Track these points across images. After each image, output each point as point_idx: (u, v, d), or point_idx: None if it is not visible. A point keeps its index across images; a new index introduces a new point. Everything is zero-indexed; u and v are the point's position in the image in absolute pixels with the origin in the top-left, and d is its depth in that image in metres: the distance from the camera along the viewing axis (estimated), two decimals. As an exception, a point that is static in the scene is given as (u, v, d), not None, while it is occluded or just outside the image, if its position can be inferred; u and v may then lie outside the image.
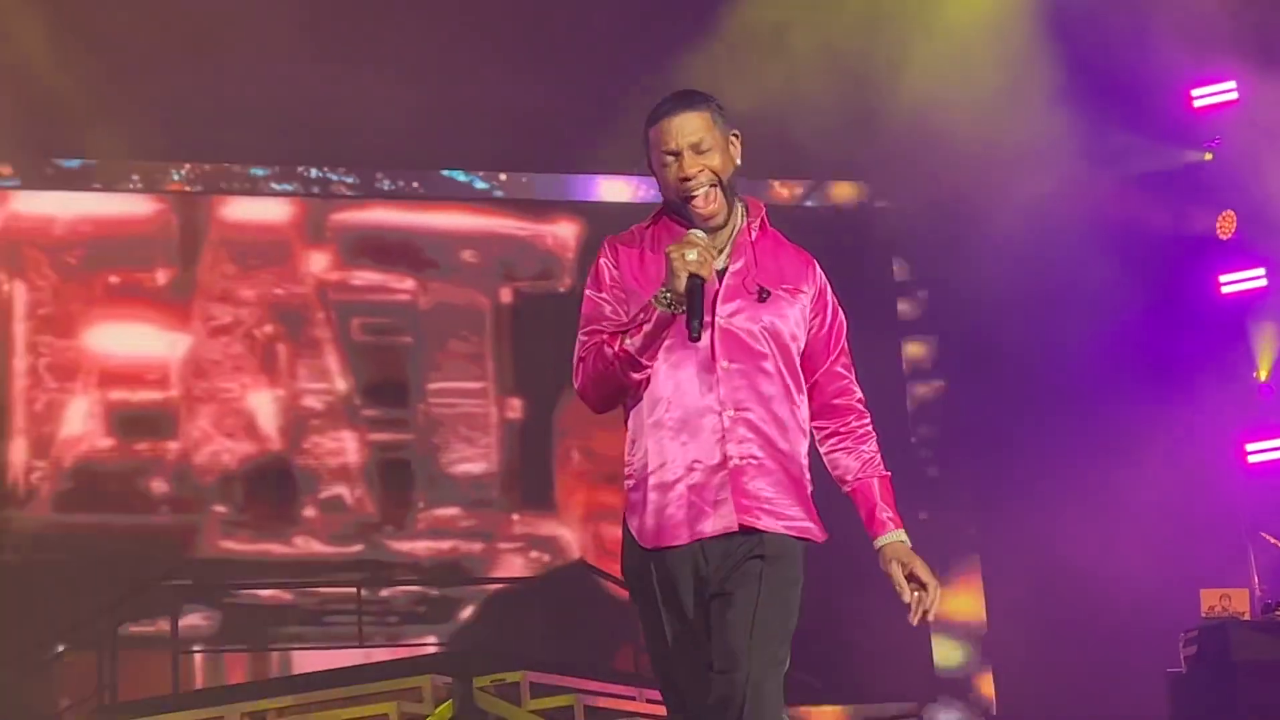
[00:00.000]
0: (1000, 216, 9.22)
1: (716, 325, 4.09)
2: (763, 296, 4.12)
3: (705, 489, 4.06)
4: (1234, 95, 9.22)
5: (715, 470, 4.06)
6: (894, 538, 4.14)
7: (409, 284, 9.64)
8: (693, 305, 3.94)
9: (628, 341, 4.02)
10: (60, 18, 8.33)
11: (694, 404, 4.09)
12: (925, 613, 4.03)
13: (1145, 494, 9.04)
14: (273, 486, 9.41)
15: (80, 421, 9.22)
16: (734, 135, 4.19)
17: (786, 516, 4.07)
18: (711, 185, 4.10)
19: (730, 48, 8.84)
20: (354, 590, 9.24)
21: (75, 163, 9.39)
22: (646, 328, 4.00)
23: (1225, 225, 9.21)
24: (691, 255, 3.94)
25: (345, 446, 9.52)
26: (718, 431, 4.07)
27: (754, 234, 4.21)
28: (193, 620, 9.19)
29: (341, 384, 9.53)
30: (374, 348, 9.66)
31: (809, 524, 4.09)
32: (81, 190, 9.40)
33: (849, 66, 8.79)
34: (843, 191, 10.62)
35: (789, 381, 4.16)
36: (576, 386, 4.13)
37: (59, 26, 8.30)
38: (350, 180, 9.77)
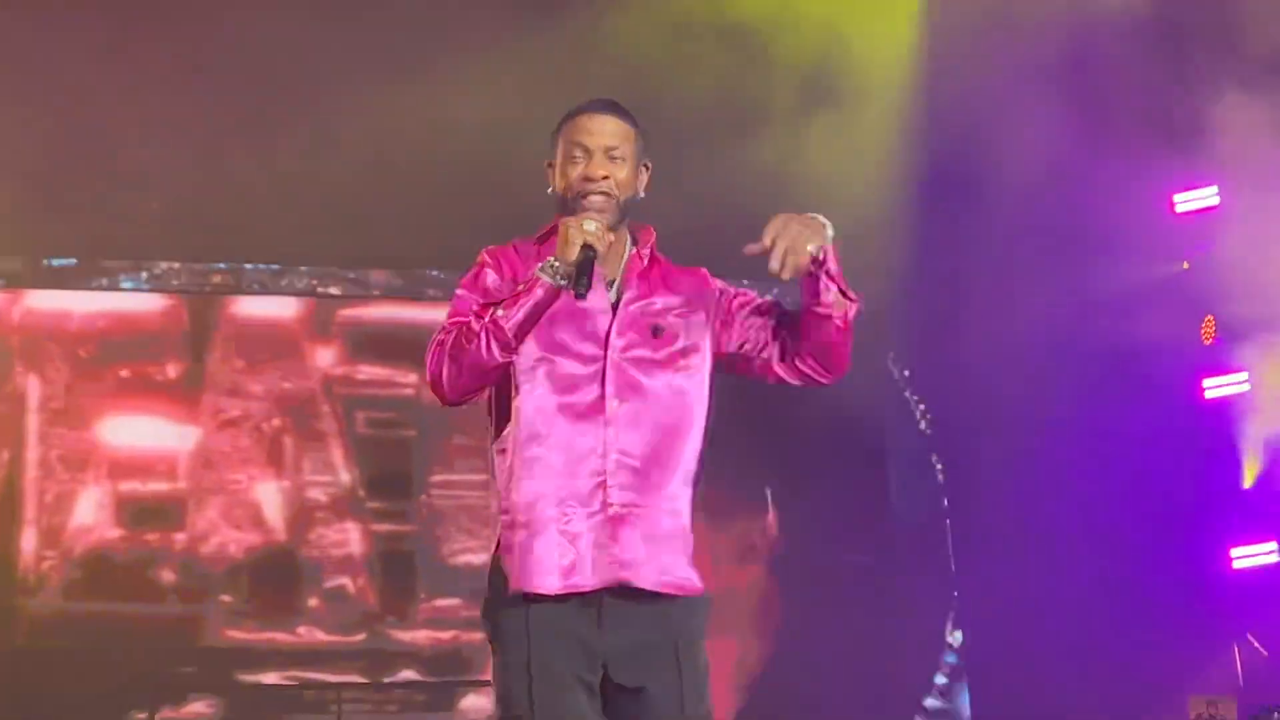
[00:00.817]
0: (977, 324, 9.42)
1: (608, 361, 3.85)
2: (656, 332, 3.91)
3: (581, 537, 3.78)
4: (1216, 201, 9.47)
5: (592, 515, 3.80)
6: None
7: (412, 378, 9.78)
8: (583, 271, 3.72)
9: (500, 312, 3.74)
10: (68, 119, 8.54)
11: (577, 444, 3.82)
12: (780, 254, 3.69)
13: (1132, 599, 9.18)
14: (278, 577, 9.52)
15: (90, 512, 9.34)
16: (646, 164, 4.01)
17: (670, 571, 3.82)
18: (609, 197, 3.90)
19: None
20: (357, 679, 9.38)
21: (72, 261, 9.58)
22: (525, 300, 3.73)
23: (1206, 330, 9.41)
24: (590, 225, 3.75)
25: (349, 538, 9.64)
26: (600, 475, 3.81)
27: (645, 261, 4.01)
28: (198, 708, 9.28)
29: (346, 476, 9.67)
30: (378, 441, 9.80)
31: (692, 575, 3.86)
32: (91, 290, 9.61)
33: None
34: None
35: (684, 422, 3.91)
36: (429, 371, 3.80)
37: (66, 126, 8.52)
38: (353, 276, 9.96)
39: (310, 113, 8.74)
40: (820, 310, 3.83)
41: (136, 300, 9.58)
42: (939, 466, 10.26)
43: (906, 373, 10.42)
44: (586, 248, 3.72)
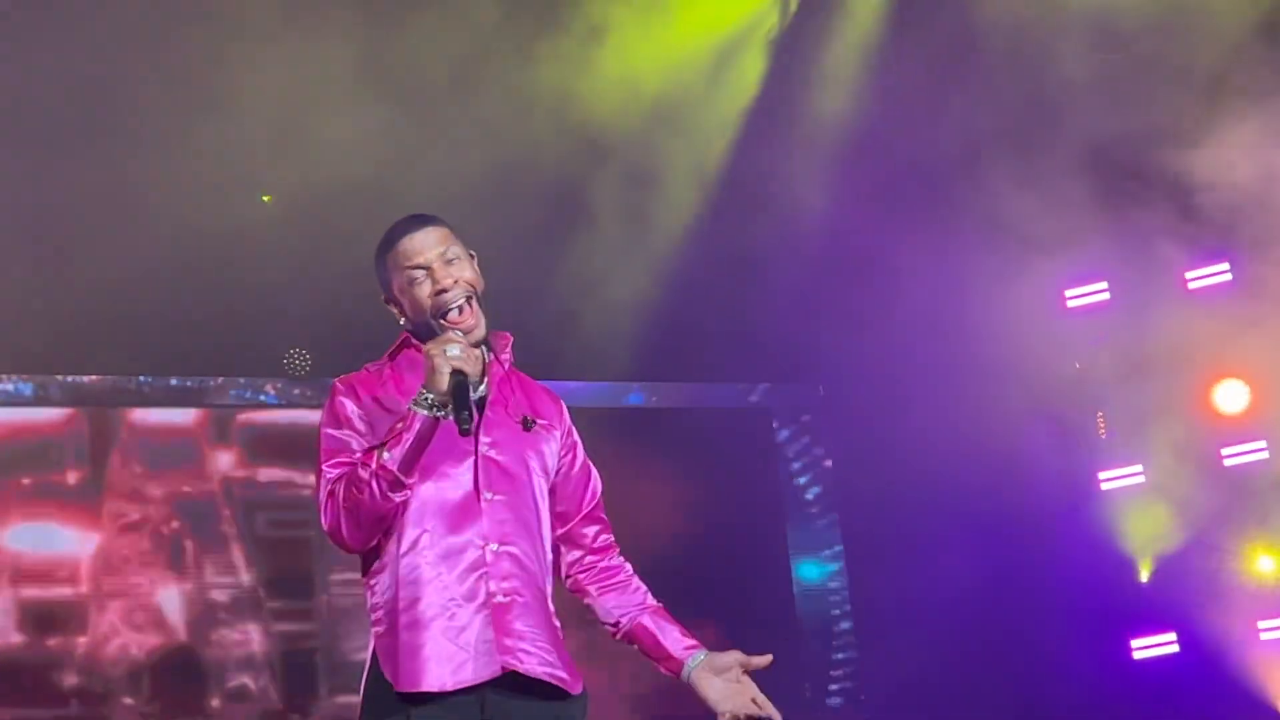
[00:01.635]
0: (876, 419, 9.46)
1: (479, 454, 3.82)
2: (527, 425, 3.90)
3: (466, 630, 3.74)
4: (1106, 296, 9.48)
5: (477, 609, 3.76)
6: (704, 654, 3.92)
7: (312, 479, 9.71)
8: (460, 399, 3.63)
9: (385, 455, 3.66)
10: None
11: (454, 538, 3.78)
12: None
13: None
14: (180, 677, 9.49)
15: (-8, 620, 9.30)
16: (472, 254, 3.96)
17: (551, 663, 3.80)
18: (468, 297, 3.87)
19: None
20: (260, 776, 9.33)
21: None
22: (407, 437, 3.65)
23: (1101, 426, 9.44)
24: (454, 351, 3.67)
25: (250, 637, 9.62)
26: (480, 567, 3.77)
27: (505, 365, 4.00)
28: (103, 810, 9.17)
29: (246, 577, 9.66)
30: (278, 541, 9.78)
31: (571, 672, 3.86)
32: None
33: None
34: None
35: (545, 517, 3.93)
36: (326, 526, 3.77)
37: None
38: (244, 382, 9.96)
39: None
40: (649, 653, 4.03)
41: (36, 411, 9.56)
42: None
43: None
44: (455, 373, 3.66)
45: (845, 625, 10.12)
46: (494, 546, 3.79)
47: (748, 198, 8.76)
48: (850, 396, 9.88)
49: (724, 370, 9.84)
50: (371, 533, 3.76)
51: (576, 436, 4.11)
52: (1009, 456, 9.11)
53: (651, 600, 4.06)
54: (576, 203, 8.75)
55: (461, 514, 3.79)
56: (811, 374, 10.16)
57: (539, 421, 3.95)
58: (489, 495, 3.81)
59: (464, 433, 3.64)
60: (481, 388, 3.83)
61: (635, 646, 4.05)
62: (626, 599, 4.05)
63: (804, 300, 9.33)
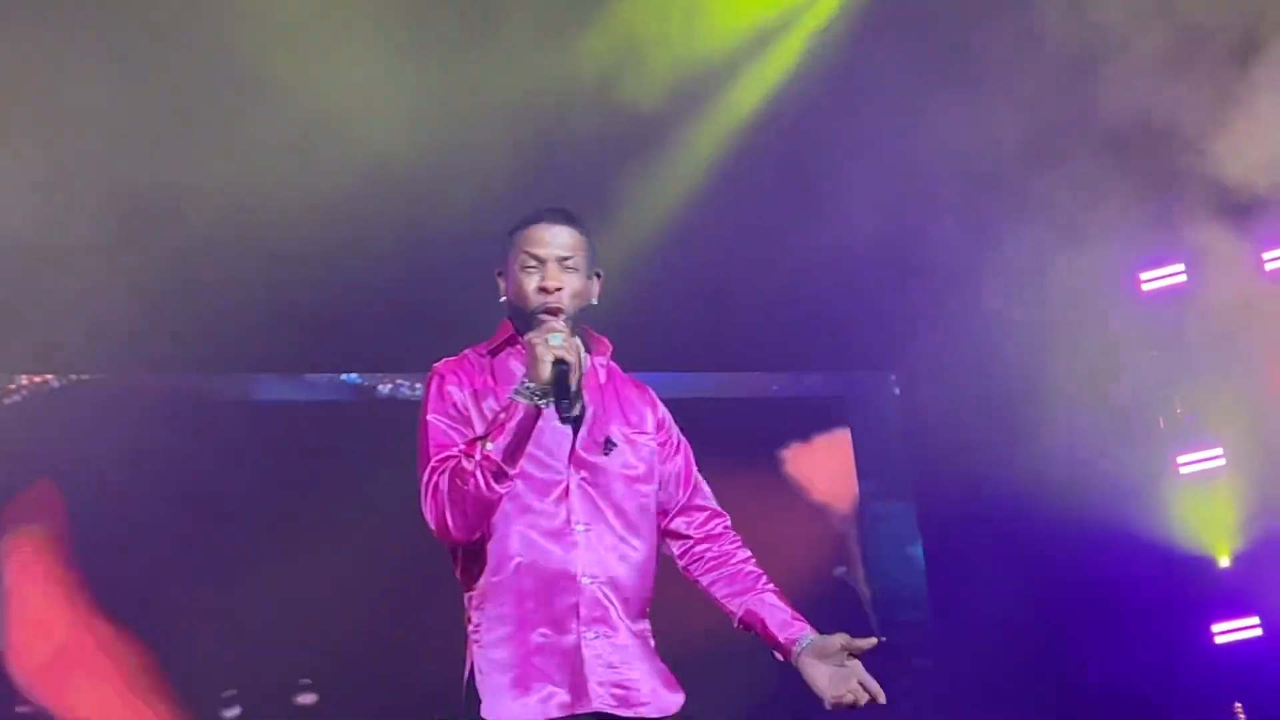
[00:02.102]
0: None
1: (571, 485, 3.83)
2: (608, 449, 3.89)
3: (555, 664, 3.75)
4: (1183, 278, 9.39)
5: (566, 642, 3.76)
6: (810, 637, 3.88)
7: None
8: (561, 388, 3.67)
9: (489, 446, 3.68)
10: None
11: (545, 567, 3.78)
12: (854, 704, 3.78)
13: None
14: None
15: None
16: (598, 273, 4.00)
17: (640, 700, 3.80)
18: (561, 310, 3.88)
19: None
20: None
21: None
22: (510, 426, 3.67)
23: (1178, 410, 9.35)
24: (556, 340, 3.70)
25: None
26: (571, 599, 3.78)
27: (602, 375, 4.02)
28: None
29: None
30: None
31: (669, 695, 3.86)
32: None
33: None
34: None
35: (647, 534, 3.93)
36: (431, 520, 3.76)
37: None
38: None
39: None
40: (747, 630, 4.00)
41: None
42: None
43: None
44: (558, 362, 3.69)
45: (921, 616, 9.97)
46: (585, 580, 3.79)
47: (822, 188, 8.67)
48: (924, 387, 9.78)
49: (796, 359, 9.78)
50: (476, 524, 3.75)
51: (673, 430, 4.11)
52: (1086, 442, 9.02)
53: (762, 583, 4.01)
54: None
55: (554, 545, 3.80)
56: (885, 364, 10.07)
57: (626, 437, 3.95)
58: (581, 526, 3.82)
59: (565, 420, 3.69)
60: (576, 408, 3.81)
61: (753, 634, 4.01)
62: (736, 586, 4.01)
63: (878, 290, 9.25)
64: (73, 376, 8.82)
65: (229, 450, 8.83)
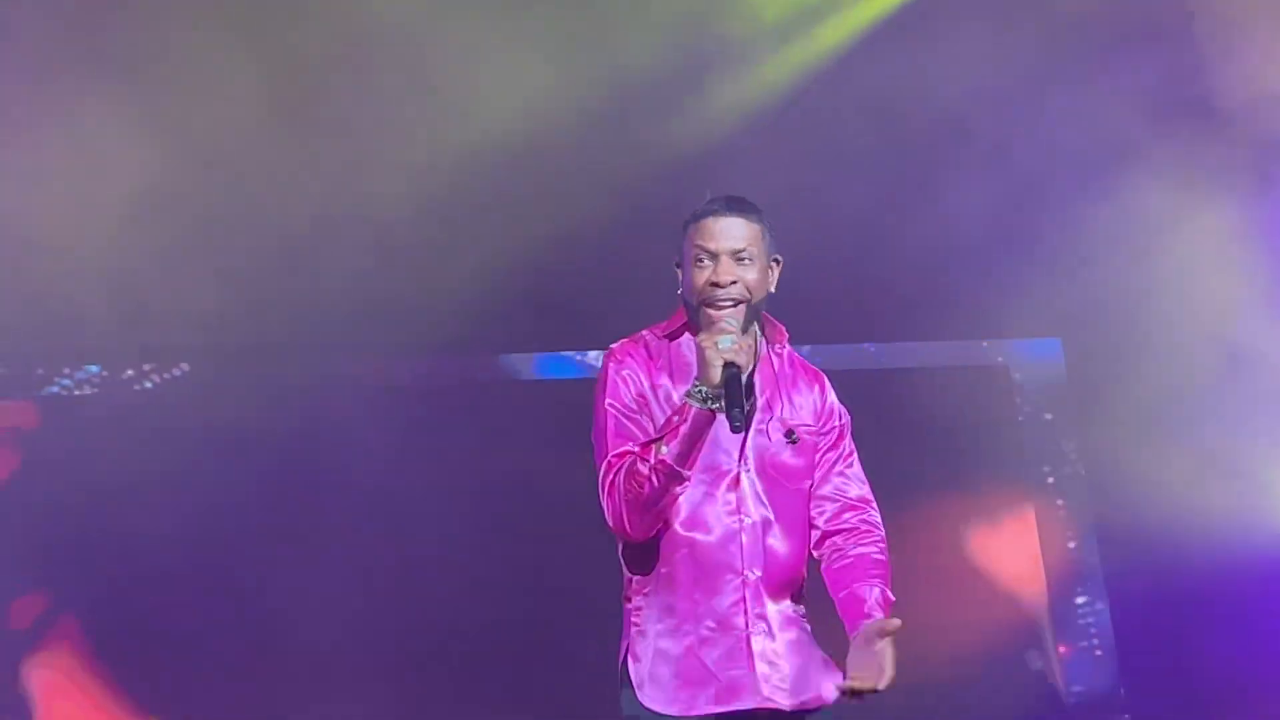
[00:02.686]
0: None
1: (742, 477, 3.90)
2: (792, 439, 3.96)
3: (719, 656, 3.81)
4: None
5: (732, 635, 3.84)
6: (866, 624, 3.87)
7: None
8: (732, 394, 3.70)
9: (664, 450, 3.75)
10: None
11: (713, 558, 3.85)
12: (854, 690, 3.74)
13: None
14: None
15: None
16: (776, 259, 4.01)
17: (801, 692, 3.86)
18: (739, 303, 3.90)
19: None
20: None
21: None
22: (684, 429, 3.74)
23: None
24: (725, 343, 3.74)
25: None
26: (738, 592, 3.84)
27: (776, 364, 4.04)
28: None
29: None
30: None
31: (831, 686, 3.89)
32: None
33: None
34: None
35: (802, 532, 3.99)
36: (609, 518, 3.85)
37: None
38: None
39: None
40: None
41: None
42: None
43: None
44: (729, 365, 3.71)
45: (1099, 606, 9.59)
46: (751, 574, 3.84)
47: (988, 145, 8.41)
48: (1092, 355, 9.43)
49: (960, 327, 9.48)
50: (653, 522, 3.81)
51: (836, 420, 4.10)
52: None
53: (863, 575, 3.97)
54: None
55: (722, 538, 3.84)
56: (1051, 330, 9.72)
57: (803, 429, 3.98)
58: (749, 519, 3.86)
59: (735, 429, 3.68)
60: (742, 420, 3.80)
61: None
62: (844, 577, 4.00)
63: (1044, 254, 8.93)
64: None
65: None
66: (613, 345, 4.01)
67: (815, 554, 4.05)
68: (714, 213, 3.93)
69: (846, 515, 4.05)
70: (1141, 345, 8.87)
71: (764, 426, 3.94)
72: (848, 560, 3.99)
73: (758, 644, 3.82)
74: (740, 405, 3.67)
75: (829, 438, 4.06)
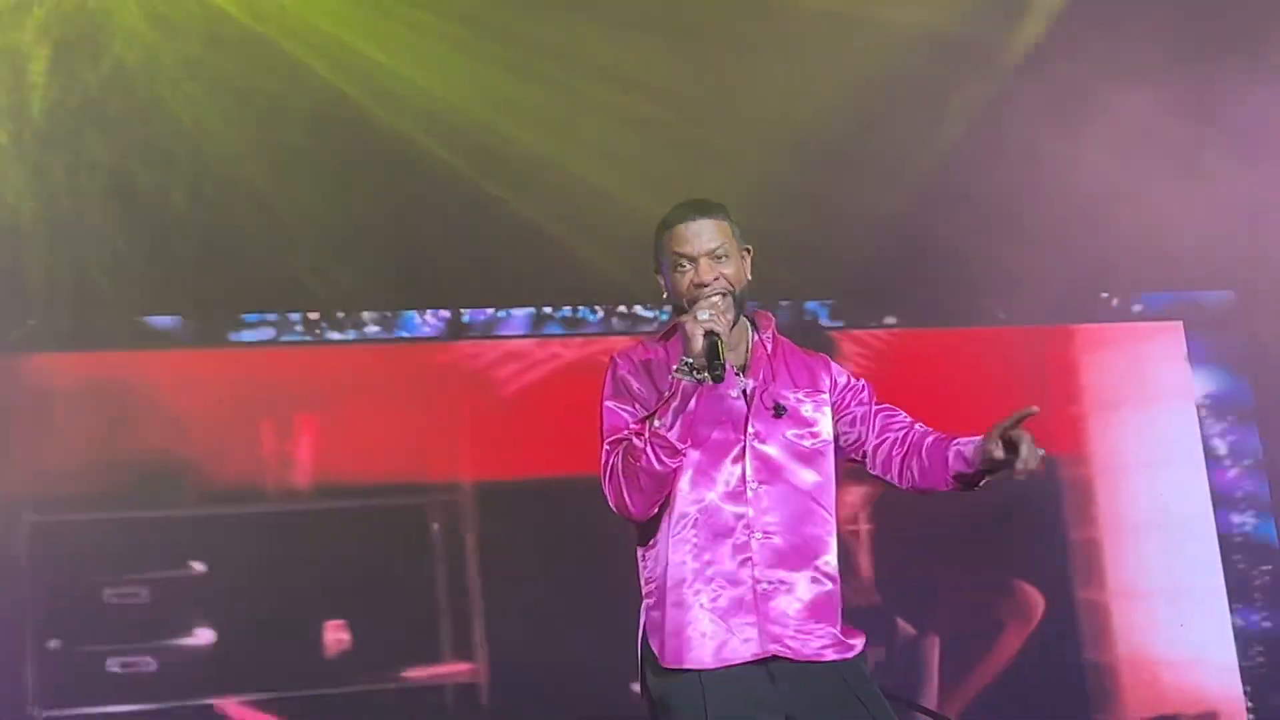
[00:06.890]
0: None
1: (747, 444, 4.13)
2: (779, 412, 4.16)
3: (730, 611, 4.04)
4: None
5: (743, 592, 4.05)
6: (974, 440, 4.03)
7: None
8: (711, 354, 3.92)
9: (657, 423, 3.98)
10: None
11: (720, 524, 4.07)
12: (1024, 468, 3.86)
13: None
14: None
15: None
16: (747, 249, 4.25)
17: (817, 645, 4.06)
18: (722, 294, 4.11)
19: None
20: None
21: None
22: (674, 403, 3.95)
23: None
24: (703, 314, 3.97)
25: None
26: (745, 552, 4.06)
27: (769, 346, 4.28)
28: None
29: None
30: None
31: (847, 639, 4.12)
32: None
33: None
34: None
35: (817, 495, 4.18)
36: (611, 500, 4.08)
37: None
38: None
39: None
40: (964, 480, 4.09)
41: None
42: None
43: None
44: (708, 334, 3.93)
45: (1267, 579, 9.18)
46: (759, 536, 4.07)
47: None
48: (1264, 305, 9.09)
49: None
50: (653, 500, 4.05)
51: (851, 383, 4.32)
52: None
53: (947, 438, 4.15)
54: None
55: (730, 502, 4.08)
56: (1221, 282, 9.38)
57: (797, 398, 4.20)
58: (755, 485, 4.10)
59: (715, 380, 3.90)
60: (744, 381, 4.17)
61: (951, 482, 4.15)
62: (916, 459, 4.19)
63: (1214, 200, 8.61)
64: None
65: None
66: (614, 353, 4.28)
67: (903, 483, 4.23)
68: (684, 219, 4.16)
69: (909, 435, 4.26)
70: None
71: (764, 400, 4.17)
72: (928, 442, 4.19)
73: (768, 598, 4.05)
74: (719, 359, 3.90)
75: (848, 398, 4.30)
